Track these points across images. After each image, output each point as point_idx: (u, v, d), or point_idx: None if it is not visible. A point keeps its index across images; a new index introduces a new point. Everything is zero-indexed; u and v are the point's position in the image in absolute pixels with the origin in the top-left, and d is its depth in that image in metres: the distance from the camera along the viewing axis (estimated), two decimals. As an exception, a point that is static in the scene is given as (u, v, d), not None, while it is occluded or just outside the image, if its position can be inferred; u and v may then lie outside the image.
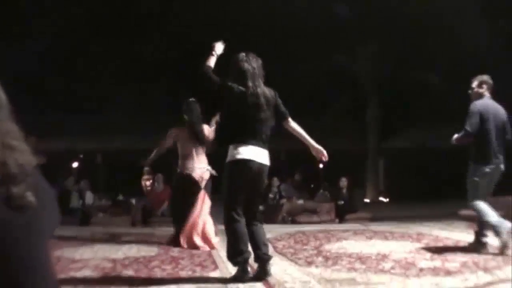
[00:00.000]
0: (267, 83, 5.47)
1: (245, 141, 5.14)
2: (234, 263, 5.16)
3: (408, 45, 22.32)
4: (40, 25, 21.32)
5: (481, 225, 6.76)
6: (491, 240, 6.62)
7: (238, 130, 5.25)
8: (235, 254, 5.12)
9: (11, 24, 20.77)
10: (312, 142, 5.62)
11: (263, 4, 20.57)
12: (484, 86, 7.00)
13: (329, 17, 21.42)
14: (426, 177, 24.30)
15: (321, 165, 26.62)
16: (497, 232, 6.36)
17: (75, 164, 24.63)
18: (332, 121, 23.91)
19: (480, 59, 21.05)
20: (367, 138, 25.07)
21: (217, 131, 7.82)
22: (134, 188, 11.00)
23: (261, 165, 5.20)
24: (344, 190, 14.57)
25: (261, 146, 5.21)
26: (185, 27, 22.09)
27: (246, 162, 5.11)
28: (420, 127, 24.27)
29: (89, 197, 14.97)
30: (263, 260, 5.15)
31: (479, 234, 6.77)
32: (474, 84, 7.07)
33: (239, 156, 5.12)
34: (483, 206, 6.64)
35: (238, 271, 5.08)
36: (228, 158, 5.23)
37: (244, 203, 5.26)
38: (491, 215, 6.51)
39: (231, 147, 5.24)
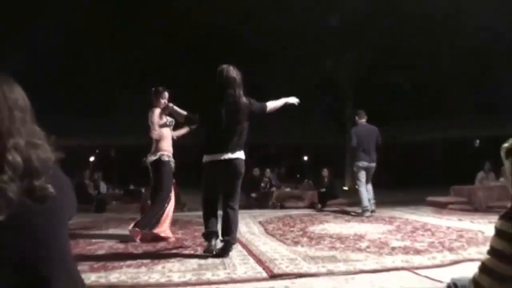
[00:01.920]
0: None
1: (215, 148, 5.37)
2: (204, 238, 5.45)
3: (380, 53, 22.41)
4: (55, 28, 21.12)
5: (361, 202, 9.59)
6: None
7: (212, 137, 5.42)
8: (204, 232, 5.47)
9: (24, 27, 20.55)
10: (283, 100, 5.87)
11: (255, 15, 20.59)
12: (359, 116, 10.31)
13: (314, 28, 21.48)
14: (397, 168, 24.41)
15: (305, 158, 26.72)
16: (362, 206, 9.47)
17: (91, 158, 24.60)
18: (316, 120, 24.01)
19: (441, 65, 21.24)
20: (345, 134, 25.16)
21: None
22: (143, 179, 10.98)
23: (224, 160, 5.31)
24: (326, 179, 14.61)
25: (234, 149, 5.34)
26: (187, 30, 22.03)
27: (208, 163, 5.39)
28: (392, 125, 24.35)
29: (102, 187, 14.99)
30: (225, 242, 5.29)
31: (362, 207, 9.49)
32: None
33: (204, 160, 5.42)
34: (361, 189, 9.70)
35: (206, 244, 5.37)
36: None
37: (223, 193, 5.50)
38: (363, 196, 9.55)
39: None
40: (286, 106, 5.90)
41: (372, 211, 9.54)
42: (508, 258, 1.83)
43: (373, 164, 9.90)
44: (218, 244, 5.34)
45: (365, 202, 9.49)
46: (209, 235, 5.38)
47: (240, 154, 5.39)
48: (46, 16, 20.86)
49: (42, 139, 1.40)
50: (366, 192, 9.70)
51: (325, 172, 14.82)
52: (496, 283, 1.88)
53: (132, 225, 6.63)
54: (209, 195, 5.53)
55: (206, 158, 5.42)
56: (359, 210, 9.69)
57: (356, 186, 10.14)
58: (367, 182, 9.90)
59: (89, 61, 22.95)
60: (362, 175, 9.85)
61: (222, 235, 5.32)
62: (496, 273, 1.87)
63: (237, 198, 5.51)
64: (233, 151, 5.32)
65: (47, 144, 1.40)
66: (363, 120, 10.24)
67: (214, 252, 5.24)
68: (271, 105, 5.74)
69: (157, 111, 6.70)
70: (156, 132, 6.59)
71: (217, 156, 5.33)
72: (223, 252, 5.21)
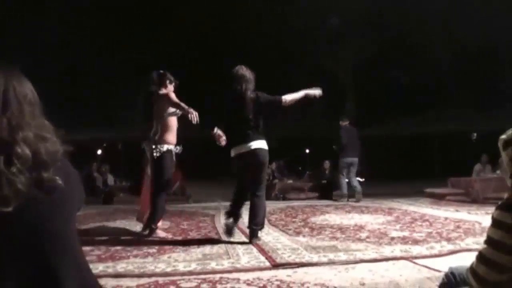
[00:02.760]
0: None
1: (236, 142, 5.66)
2: (225, 214, 5.88)
3: (380, 49, 22.39)
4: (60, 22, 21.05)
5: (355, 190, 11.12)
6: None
7: (233, 132, 5.71)
8: (228, 210, 5.86)
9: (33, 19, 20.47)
10: (303, 92, 5.97)
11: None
12: (342, 120, 11.75)
13: (315, 24, 21.48)
14: (396, 160, 24.40)
15: (307, 150, 26.72)
16: (342, 193, 11.39)
17: (99, 152, 24.62)
18: (317, 113, 23.98)
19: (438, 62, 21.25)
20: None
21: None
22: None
23: (246, 154, 5.57)
24: (327, 171, 14.59)
25: (251, 140, 5.56)
26: (192, 25, 21.98)
27: (236, 158, 5.67)
28: (391, 118, 24.33)
29: (110, 179, 15.00)
30: (251, 229, 5.61)
31: (343, 194, 11.33)
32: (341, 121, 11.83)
33: (232, 154, 5.69)
34: (343, 180, 11.40)
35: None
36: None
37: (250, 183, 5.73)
38: (344, 185, 11.36)
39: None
40: (308, 97, 6.03)
41: (358, 201, 10.72)
42: (505, 247, 1.83)
43: (356, 159, 11.53)
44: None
45: (345, 190, 11.36)
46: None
47: (259, 144, 5.60)
48: (49, 15, 20.83)
49: (50, 132, 1.40)
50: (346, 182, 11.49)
51: (326, 164, 14.80)
52: (494, 273, 1.88)
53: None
54: (239, 183, 5.83)
55: (232, 150, 5.72)
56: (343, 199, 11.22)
57: (341, 177, 11.59)
58: (353, 175, 11.44)
59: (97, 57, 22.92)
60: (346, 169, 11.44)
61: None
62: (493, 262, 1.87)
63: (262, 186, 5.74)
64: (249, 142, 5.55)
65: (55, 137, 1.41)
66: (346, 123, 11.82)
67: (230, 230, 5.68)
68: (289, 97, 5.81)
69: (172, 93, 6.18)
70: (186, 107, 5.85)
71: (238, 148, 5.62)
72: (250, 238, 5.54)
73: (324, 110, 25.02)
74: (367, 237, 5.68)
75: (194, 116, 5.70)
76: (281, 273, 3.95)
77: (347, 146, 11.39)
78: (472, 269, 1.98)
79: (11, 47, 18.02)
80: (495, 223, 1.88)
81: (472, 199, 10.15)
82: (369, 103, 23.57)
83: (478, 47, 20.92)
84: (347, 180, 11.48)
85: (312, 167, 19.29)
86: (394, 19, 20.67)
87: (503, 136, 1.95)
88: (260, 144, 5.56)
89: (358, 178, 12.03)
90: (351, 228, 6.50)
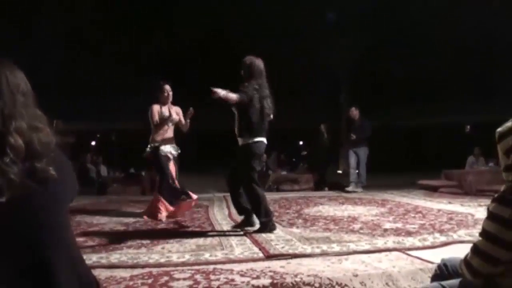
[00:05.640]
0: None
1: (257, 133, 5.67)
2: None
3: (375, 41, 22.37)
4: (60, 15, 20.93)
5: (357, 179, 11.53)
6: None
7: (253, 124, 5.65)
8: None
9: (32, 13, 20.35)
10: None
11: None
12: (354, 110, 11.80)
13: (311, 16, 21.45)
14: (390, 152, 24.44)
15: (301, 142, 26.73)
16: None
17: (93, 142, 24.58)
18: (311, 105, 23.99)
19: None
20: (340, 118, 25.12)
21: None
22: (143, 162, 10.98)
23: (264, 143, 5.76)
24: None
25: (264, 134, 5.74)
26: (187, 23, 21.89)
27: (257, 146, 5.67)
28: (384, 110, 24.33)
29: (103, 170, 15.00)
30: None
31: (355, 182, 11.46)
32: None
33: (251, 142, 5.65)
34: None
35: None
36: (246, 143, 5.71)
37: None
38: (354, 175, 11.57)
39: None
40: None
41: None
42: (500, 241, 1.83)
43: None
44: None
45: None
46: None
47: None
48: (49, 7, 20.70)
49: (43, 123, 1.40)
50: None
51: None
52: (488, 265, 1.88)
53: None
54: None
55: (253, 140, 5.62)
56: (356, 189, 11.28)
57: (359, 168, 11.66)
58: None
59: (92, 47, 22.80)
60: (364, 160, 11.65)
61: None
62: (488, 255, 1.87)
63: None
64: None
65: (48, 127, 1.40)
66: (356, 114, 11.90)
67: None
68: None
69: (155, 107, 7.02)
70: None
71: (263, 140, 5.71)
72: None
73: (319, 100, 25.04)
74: (360, 228, 5.69)
75: None
76: (275, 264, 3.95)
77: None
78: (466, 261, 1.99)
79: (9, 39, 17.91)
80: (491, 216, 1.88)
81: (465, 191, 10.18)
82: (363, 95, 23.57)
83: (473, 39, 20.92)
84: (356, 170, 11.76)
85: (306, 158, 19.33)
86: (390, 12, 20.63)
87: (499, 129, 1.95)
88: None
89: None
90: (345, 219, 6.51)
